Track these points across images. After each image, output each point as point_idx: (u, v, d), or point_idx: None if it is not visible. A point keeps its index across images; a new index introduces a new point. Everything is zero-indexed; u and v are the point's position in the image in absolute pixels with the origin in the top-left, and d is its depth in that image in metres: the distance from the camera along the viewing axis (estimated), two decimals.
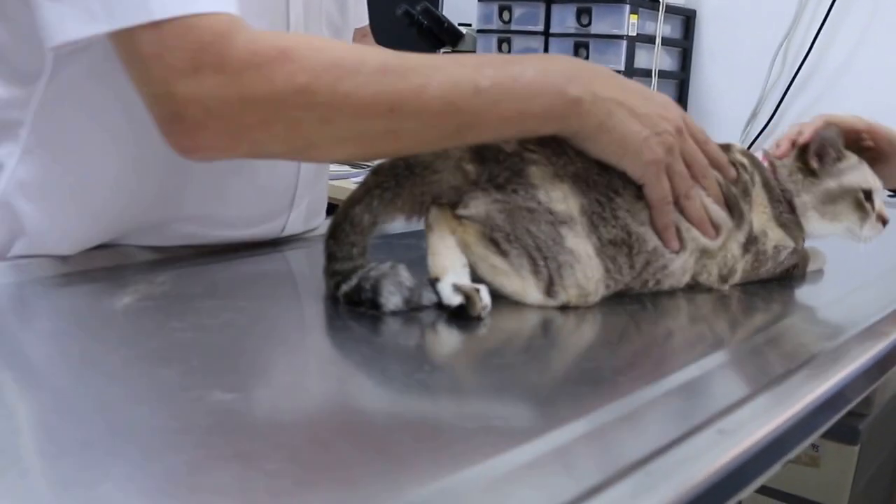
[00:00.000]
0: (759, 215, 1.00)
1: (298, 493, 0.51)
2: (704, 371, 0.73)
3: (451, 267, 0.83)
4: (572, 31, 3.05)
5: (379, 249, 0.85)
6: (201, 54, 0.75)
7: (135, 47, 0.77)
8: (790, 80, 2.36)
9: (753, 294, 0.98)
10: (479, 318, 0.81)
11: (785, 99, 2.37)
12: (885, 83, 2.23)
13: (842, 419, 0.74)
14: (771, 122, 2.39)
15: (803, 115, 2.32)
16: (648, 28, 3.01)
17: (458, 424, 0.60)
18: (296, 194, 1.09)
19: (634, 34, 2.95)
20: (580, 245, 0.85)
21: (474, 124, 0.83)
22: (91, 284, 0.87)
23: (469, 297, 0.81)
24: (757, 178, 1.01)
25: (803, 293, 1.04)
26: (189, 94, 0.75)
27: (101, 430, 0.56)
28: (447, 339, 0.79)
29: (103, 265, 0.92)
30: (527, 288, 0.85)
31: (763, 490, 1.67)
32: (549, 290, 0.85)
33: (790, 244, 1.02)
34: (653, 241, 0.90)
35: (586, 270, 0.85)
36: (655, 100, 0.90)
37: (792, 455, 0.67)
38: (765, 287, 1.00)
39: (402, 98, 0.79)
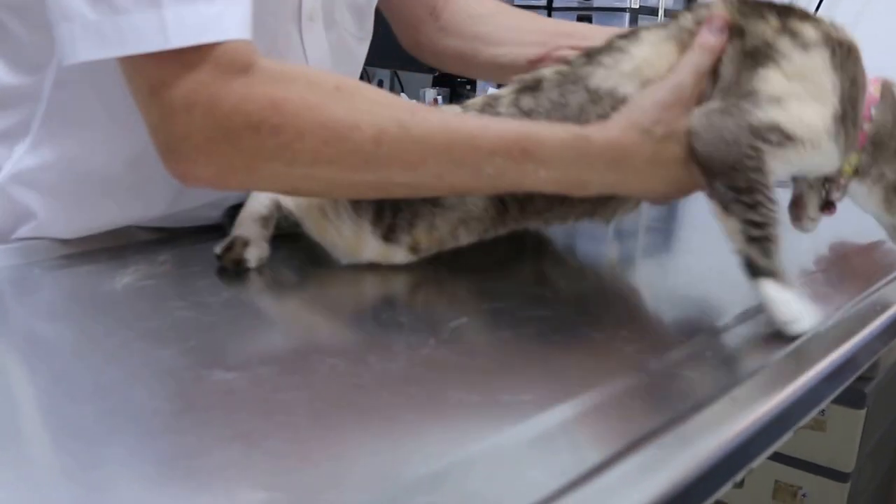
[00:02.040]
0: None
1: (301, 472, 0.50)
2: (713, 342, 0.72)
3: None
4: (575, 4, 3.04)
5: None
6: (195, 94, 0.75)
7: (139, 74, 0.77)
8: None
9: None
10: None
11: None
12: (878, 67, 2.21)
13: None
14: None
15: None
16: (651, 0, 2.99)
17: (464, 399, 0.59)
18: None
19: (637, 6, 2.93)
20: None
21: (468, 194, 0.85)
22: (91, 265, 0.86)
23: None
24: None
25: (803, 259, 1.02)
26: (182, 131, 0.76)
27: (101, 410, 0.55)
28: (452, 314, 0.78)
29: (104, 245, 0.91)
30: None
31: (770, 454, 1.67)
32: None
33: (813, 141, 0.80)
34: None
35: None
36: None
37: (804, 422, 0.66)
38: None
39: (390, 174, 0.79)
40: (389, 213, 0.85)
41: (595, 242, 1.06)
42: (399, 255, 0.86)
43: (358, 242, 0.86)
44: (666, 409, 0.58)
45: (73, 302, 0.79)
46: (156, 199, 0.94)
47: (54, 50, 0.86)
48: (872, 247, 1.02)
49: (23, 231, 0.93)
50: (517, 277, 0.91)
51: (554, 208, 0.87)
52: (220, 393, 0.58)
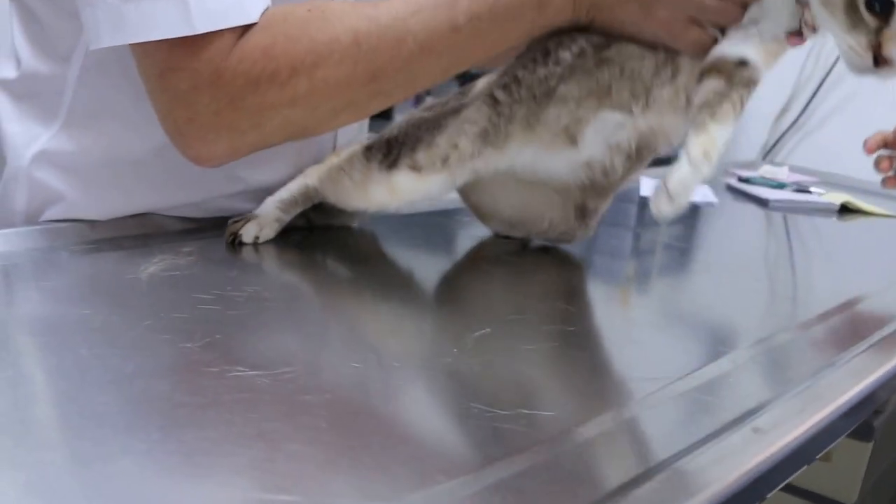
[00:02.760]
0: None
1: (322, 477, 0.50)
2: (735, 367, 0.72)
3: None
4: None
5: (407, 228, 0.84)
6: (200, 75, 0.78)
7: (149, 59, 0.80)
8: (824, 75, 2.29)
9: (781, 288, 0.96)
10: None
11: (817, 95, 2.31)
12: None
13: None
14: (801, 118, 2.33)
15: (836, 111, 2.27)
16: None
17: (486, 412, 0.59)
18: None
19: None
20: None
21: (460, 59, 0.85)
22: (117, 252, 0.86)
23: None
24: None
25: (825, 291, 1.02)
26: (189, 114, 0.80)
27: (121, 402, 0.56)
28: (476, 324, 0.78)
29: (130, 233, 0.91)
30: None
31: None
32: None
33: None
34: None
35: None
36: None
37: (821, 454, 0.66)
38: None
39: (381, 65, 0.81)
40: (395, 149, 0.89)
41: (615, 259, 1.06)
42: (401, 178, 0.88)
43: (366, 181, 0.89)
44: (684, 435, 0.58)
45: (96, 288, 0.79)
46: (185, 184, 0.95)
47: (81, 37, 0.87)
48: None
49: (51, 213, 0.93)
50: (540, 290, 0.91)
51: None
52: (242, 390, 0.58)
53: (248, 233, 0.90)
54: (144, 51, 0.79)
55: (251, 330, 0.70)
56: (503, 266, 1.01)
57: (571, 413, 0.61)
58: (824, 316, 0.89)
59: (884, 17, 0.74)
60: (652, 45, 0.84)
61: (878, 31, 0.74)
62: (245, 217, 0.91)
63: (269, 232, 0.92)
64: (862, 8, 0.74)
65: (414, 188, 0.89)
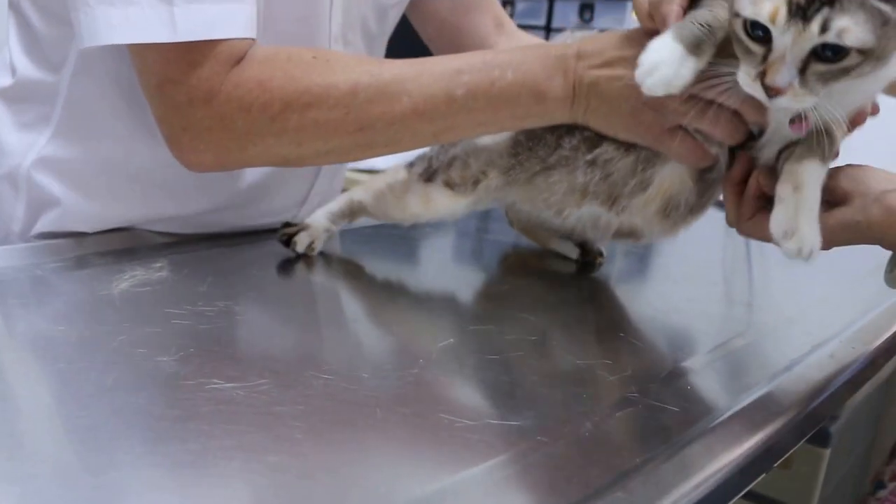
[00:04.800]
0: None
1: (300, 487, 0.51)
2: (693, 373, 0.74)
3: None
4: (574, 27, 3.06)
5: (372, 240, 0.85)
6: (196, 90, 0.81)
7: (148, 70, 0.82)
8: None
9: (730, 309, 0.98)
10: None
11: None
12: None
13: None
14: None
15: None
16: None
17: (454, 422, 0.61)
18: (314, 185, 1.12)
19: None
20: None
21: (450, 129, 0.86)
22: (88, 269, 0.87)
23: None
24: None
25: (782, 297, 1.04)
26: (183, 124, 0.83)
27: (104, 415, 0.57)
28: (441, 335, 0.80)
29: (112, 248, 0.94)
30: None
31: None
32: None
33: None
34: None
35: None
36: (629, 35, 0.84)
37: (779, 461, 0.68)
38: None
39: (371, 118, 0.83)
40: (434, 164, 0.94)
41: (575, 266, 1.08)
42: (435, 192, 0.94)
43: (405, 192, 0.95)
44: (645, 445, 0.60)
45: (71, 305, 0.80)
46: (178, 195, 0.97)
47: (72, 45, 0.89)
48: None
49: (46, 220, 0.96)
50: (502, 300, 0.93)
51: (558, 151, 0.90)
52: (220, 402, 0.59)
53: (301, 242, 0.98)
54: (143, 62, 0.82)
55: (224, 343, 0.71)
56: (465, 277, 1.03)
57: (537, 422, 0.62)
58: (781, 321, 0.91)
59: (765, 44, 0.69)
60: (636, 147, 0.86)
61: (764, 60, 0.69)
62: (298, 226, 0.99)
63: (319, 243, 0.99)
64: (743, 36, 0.70)
65: (445, 204, 0.94)
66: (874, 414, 1.86)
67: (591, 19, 3.02)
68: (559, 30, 3.03)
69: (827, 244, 0.74)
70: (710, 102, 0.77)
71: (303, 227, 0.98)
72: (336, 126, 0.83)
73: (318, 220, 0.99)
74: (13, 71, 0.96)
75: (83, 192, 0.95)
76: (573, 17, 3.07)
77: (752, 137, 0.81)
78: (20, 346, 0.69)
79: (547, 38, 3.08)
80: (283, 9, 0.92)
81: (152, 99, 0.83)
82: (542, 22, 3.13)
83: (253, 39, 0.83)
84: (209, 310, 0.78)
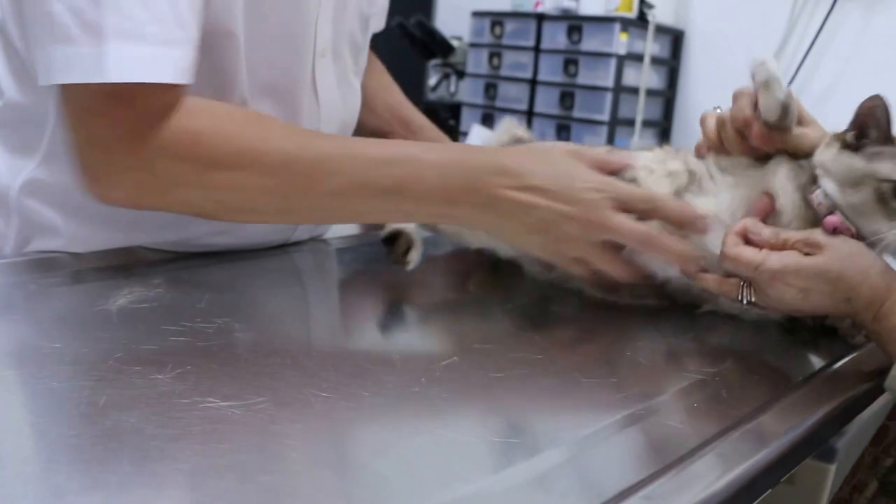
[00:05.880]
0: None
1: None
2: (699, 392, 0.73)
3: None
4: (562, 48, 3.08)
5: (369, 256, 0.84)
6: (119, 128, 0.81)
7: (71, 99, 0.81)
8: (789, 80, 2.33)
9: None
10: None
11: None
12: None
13: None
14: None
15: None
16: (637, 47, 3.03)
17: (456, 439, 0.60)
18: None
19: (624, 53, 2.98)
20: None
21: (370, 213, 0.93)
22: (85, 284, 0.87)
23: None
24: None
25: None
26: (102, 159, 0.82)
27: (94, 435, 0.56)
28: (444, 353, 0.79)
29: (109, 264, 0.93)
30: None
31: None
32: None
33: None
34: None
35: None
36: (561, 169, 0.89)
37: (785, 477, 0.67)
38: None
39: (296, 191, 0.85)
40: None
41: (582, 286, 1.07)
42: None
43: None
44: (651, 462, 0.59)
45: (67, 321, 0.79)
46: (164, 223, 0.95)
47: None
48: None
49: (37, 243, 0.95)
50: (507, 319, 0.92)
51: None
52: (214, 421, 0.58)
53: (413, 259, 1.03)
54: (67, 90, 0.81)
55: (222, 361, 0.70)
56: (469, 296, 1.02)
57: (538, 440, 0.62)
58: (787, 339, 0.91)
59: None
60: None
61: None
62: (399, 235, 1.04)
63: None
64: (890, 198, 0.83)
65: None
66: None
67: (578, 42, 3.03)
68: (548, 51, 3.04)
69: None
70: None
71: (407, 241, 1.04)
72: (261, 192, 0.85)
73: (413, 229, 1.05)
74: (1, 94, 0.94)
75: (75, 217, 0.94)
76: (561, 40, 3.08)
77: None
78: (12, 362, 0.68)
79: (535, 59, 3.09)
80: (267, 25, 0.92)
81: (71, 129, 0.82)
82: (531, 43, 3.15)
83: (188, 84, 0.82)
84: (207, 327, 0.77)
